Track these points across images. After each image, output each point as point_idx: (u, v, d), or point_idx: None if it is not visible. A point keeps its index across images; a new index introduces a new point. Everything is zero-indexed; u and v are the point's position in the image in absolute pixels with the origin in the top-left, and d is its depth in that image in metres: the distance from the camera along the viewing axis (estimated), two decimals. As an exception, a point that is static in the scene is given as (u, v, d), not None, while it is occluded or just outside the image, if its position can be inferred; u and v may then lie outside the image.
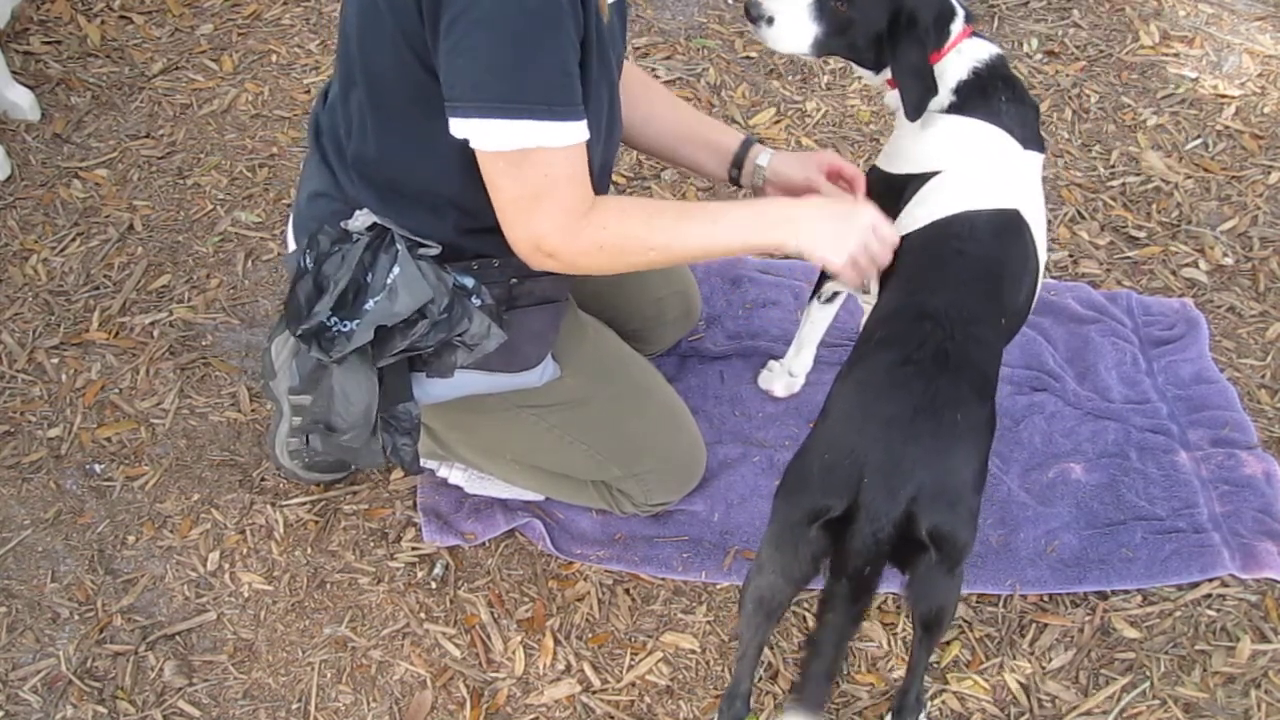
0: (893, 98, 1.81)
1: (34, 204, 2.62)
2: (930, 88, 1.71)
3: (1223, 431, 2.20)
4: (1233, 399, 2.26)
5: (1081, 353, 2.35)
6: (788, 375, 2.21)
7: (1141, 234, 2.62)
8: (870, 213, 1.58)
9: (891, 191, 1.76)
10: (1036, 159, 1.76)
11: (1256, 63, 3.09)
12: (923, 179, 1.72)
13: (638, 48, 3.07)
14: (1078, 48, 3.12)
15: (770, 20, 1.74)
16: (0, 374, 2.27)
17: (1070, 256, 2.57)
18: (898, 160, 1.79)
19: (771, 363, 2.25)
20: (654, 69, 2.98)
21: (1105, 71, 3.05)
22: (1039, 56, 3.09)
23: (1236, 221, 2.66)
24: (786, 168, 1.81)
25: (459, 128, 1.39)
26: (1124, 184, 2.74)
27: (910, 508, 1.37)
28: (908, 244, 1.64)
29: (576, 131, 1.40)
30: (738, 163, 1.85)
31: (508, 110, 1.36)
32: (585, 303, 1.95)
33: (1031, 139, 1.75)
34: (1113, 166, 2.79)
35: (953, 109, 1.74)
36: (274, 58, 3.01)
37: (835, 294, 2.03)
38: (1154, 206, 2.69)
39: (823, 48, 1.75)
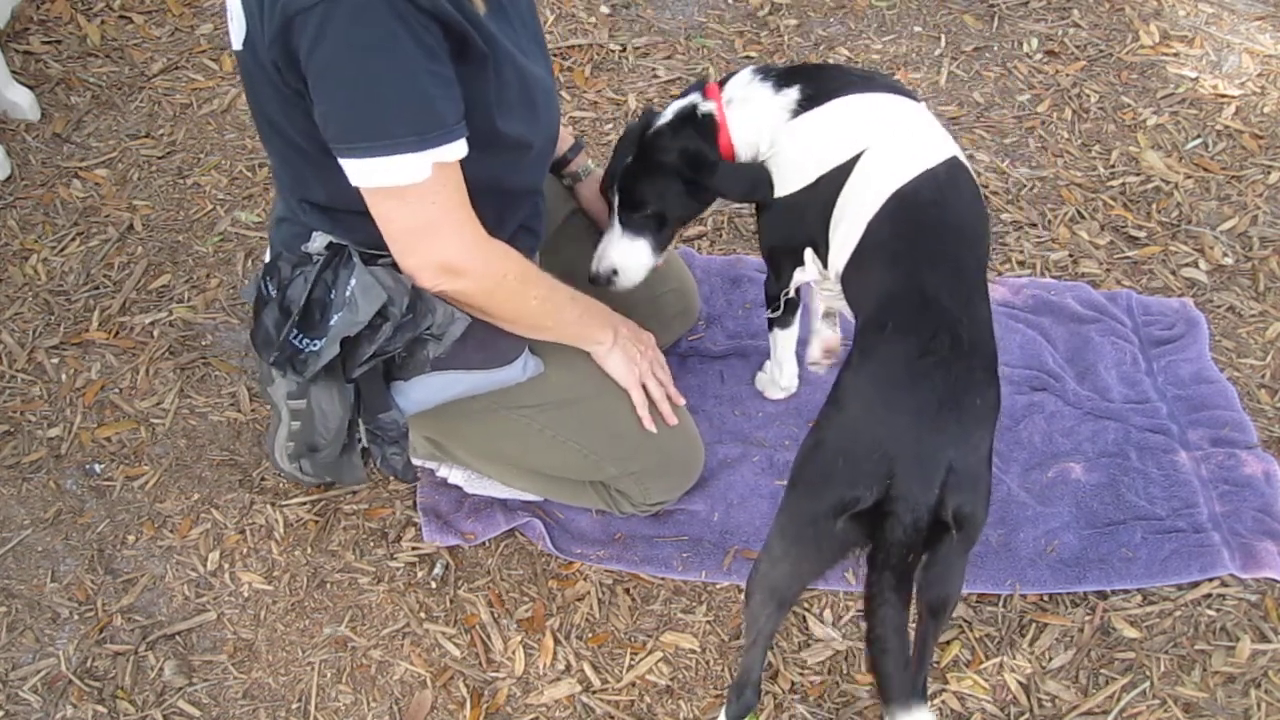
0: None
1: (34, 204, 2.62)
2: (751, 177, 1.75)
3: (1223, 431, 2.20)
4: (1232, 399, 2.26)
5: (1081, 352, 2.35)
6: (778, 386, 2.21)
7: (1141, 234, 2.62)
8: (658, 355, 1.86)
9: (817, 198, 1.72)
10: (919, 106, 1.73)
11: (1256, 63, 3.09)
12: (846, 169, 1.68)
13: (637, 47, 3.07)
14: (1078, 48, 3.12)
15: (616, 271, 1.84)
16: (0, 374, 2.27)
17: (1070, 256, 2.57)
18: (804, 171, 1.74)
19: (767, 364, 2.25)
20: (654, 69, 2.98)
21: (1105, 71, 3.05)
22: (1039, 56, 3.09)
23: (1236, 221, 2.66)
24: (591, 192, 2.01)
25: (344, 165, 1.42)
26: (1124, 184, 2.74)
27: (941, 492, 1.38)
28: (880, 220, 1.61)
29: (445, 154, 1.41)
30: (561, 164, 1.99)
31: (364, 149, 1.38)
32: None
33: (900, 90, 1.74)
34: (1113, 166, 2.79)
35: (810, 103, 1.71)
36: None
37: (791, 315, 2.02)
38: (1154, 206, 2.69)
39: (667, 242, 1.84)
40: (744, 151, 1.78)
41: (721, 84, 1.77)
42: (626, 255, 1.83)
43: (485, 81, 1.47)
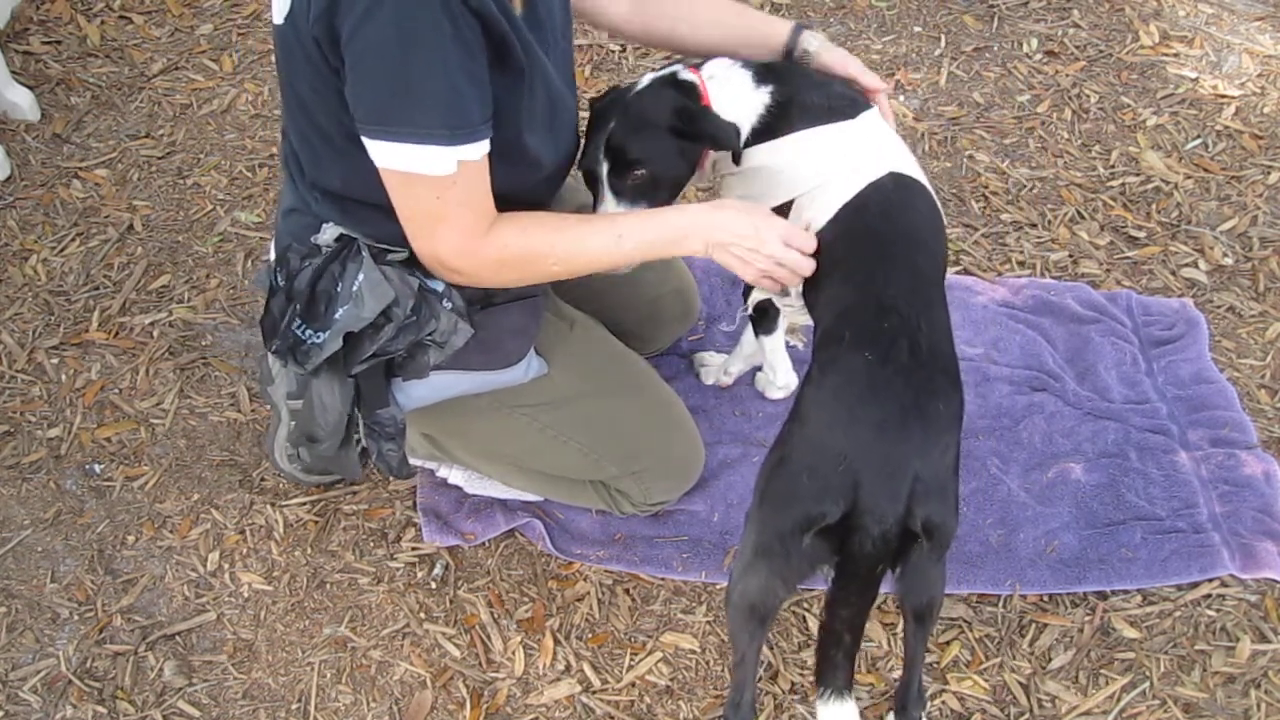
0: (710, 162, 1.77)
1: (34, 204, 2.62)
2: (735, 128, 1.67)
3: (1222, 431, 2.20)
4: (1232, 399, 2.26)
5: (1081, 353, 2.35)
6: (776, 386, 2.21)
7: (1141, 234, 2.62)
8: (780, 230, 1.58)
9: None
10: (871, 115, 1.71)
11: (1256, 63, 3.09)
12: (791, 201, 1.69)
13: (637, 48, 3.07)
14: (1078, 48, 3.12)
15: None
16: (0, 374, 2.27)
17: (1070, 256, 2.57)
18: (768, 196, 1.72)
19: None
20: (655, 68, 2.98)
21: (1105, 71, 3.05)
22: (1039, 56, 3.09)
23: (1236, 221, 2.66)
24: (829, 62, 1.76)
25: (368, 145, 1.42)
26: (1124, 184, 2.74)
27: (908, 503, 1.38)
28: (833, 235, 1.61)
29: (470, 152, 1.41)
30: (788, 54, 1.78)
31: (392, 134, 1.38)
32: (580, 301, 1.95)
33: (849, 105, 1.70)
34: (1113, 166, 2.79)
35: (775, 113, 1.69)
36: (273, 57, 3.01)
37: (774, 319, 2.01)
38: (1154, 206, 2.69)
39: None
40: None
41: (697, 68, 1.76)
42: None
43: (519, 95, 1.48)
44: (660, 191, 1.72)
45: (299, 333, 1.58)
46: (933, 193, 1.69)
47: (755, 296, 1.93)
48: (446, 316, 1.58)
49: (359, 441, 1.84)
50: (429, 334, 1.58)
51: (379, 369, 1.65)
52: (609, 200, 1.70)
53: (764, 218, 1.60)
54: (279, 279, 1.61)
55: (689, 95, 1.71)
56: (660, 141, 1.67)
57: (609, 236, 1.57)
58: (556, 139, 1.62)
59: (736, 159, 1.68)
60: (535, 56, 1.49)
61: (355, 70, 1.37)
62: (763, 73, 1.72)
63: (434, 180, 1.42)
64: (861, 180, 1.62)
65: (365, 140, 1.41)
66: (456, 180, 1.43)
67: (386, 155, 1.41)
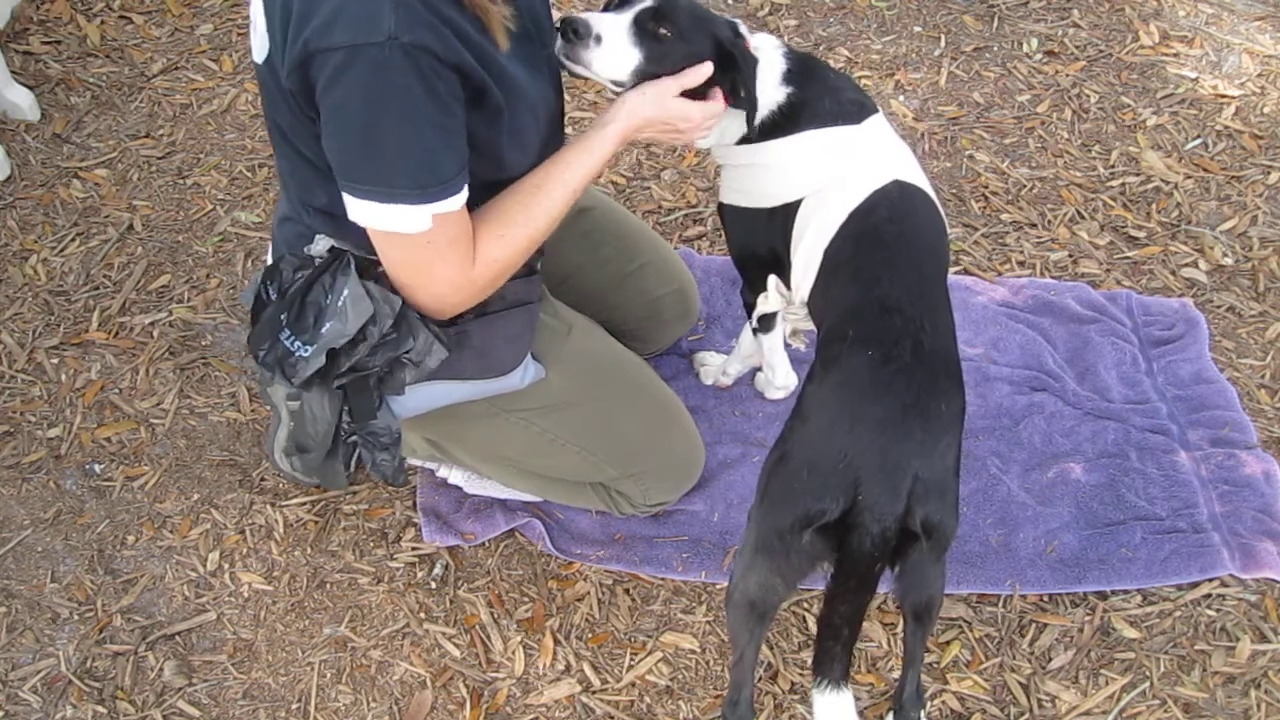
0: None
1: (34, 204, 2.62)
2: (753, 99, 1.68)
3: (1222, 431, 2.20)
4: (1232, 399, 2.26)
5: (1081, 353, 2.35)
6: (775, 386, 2.21)
7: (1141, 234, 2.62)
8: (670, 90, 1.64)
9: (775, 217, 1.74)
10: (876, 120, 1.72)
11: (1256, 63, 3.09)
12: (797, 201, 1.71)
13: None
14: (1078, 48, 3.12)
15: (599, 39, 1.61)
16: (0, 374, 2.27)
17: (1070, 256, 2.57)
18: (760, 198, 1.76)
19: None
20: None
21: (1105, 71, 3.05)
22: (1039, 56, 3.09)
23: (1236, 221, 2.66)
24: None
25: (345, 200, 1.42)
26: (1124, 184, 2.74)
27: (908, 502, 1.38)
28: (839, 240, 1.63)
29: (444, 206, 1.41)
30: None
31: (365, 192, 1.39)
32: (581, 303, 1.95)
33: (856, 109, 1.71)
34: (1113, 166, 2.79)
35: (788, 114, 1.70)
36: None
37: (772, 317, 2.02)
38: (1154, 206, 2.69)
39: (643, 76, 1.66)
40: None
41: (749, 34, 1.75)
42: (617, 48, 1.62)
43: (499, 129, 1.48)
44: (651, 66, 1.65)
45: (288, 344, 1.58)
46: (937, 201, 1.69)
47: (759, 309, 1.93)
48: (424, 336, 1.58)
49: (354, 449, 1.84)
50: (405, 351, 1.58)
51: (365, 381, 1.65)
52: (627, 22, 1.63)
53: (658, 103, 1.63)
54: (270, 292, 1.61)
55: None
56: (701, 37, 1.66)
57: (565, 193, 1.58)
58: (541, 146, 1.61)
59: (750, 126, 1.69)
60: (517, 92, 1.48)
61: (327, 126, 1.38)
62: (792, 71, 1.72)
63: (413, 235, 1.42)
64: (868, 186, 1.62)
65: (343, 194, 1.41)
66: (442, 230, 1.43)
67: (363, 213, 1.41)
